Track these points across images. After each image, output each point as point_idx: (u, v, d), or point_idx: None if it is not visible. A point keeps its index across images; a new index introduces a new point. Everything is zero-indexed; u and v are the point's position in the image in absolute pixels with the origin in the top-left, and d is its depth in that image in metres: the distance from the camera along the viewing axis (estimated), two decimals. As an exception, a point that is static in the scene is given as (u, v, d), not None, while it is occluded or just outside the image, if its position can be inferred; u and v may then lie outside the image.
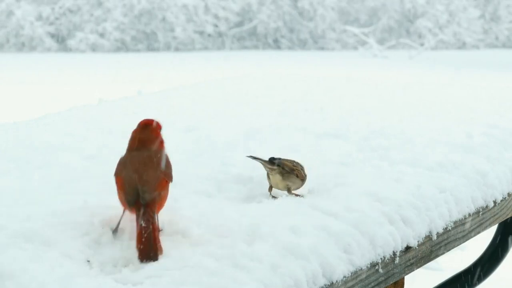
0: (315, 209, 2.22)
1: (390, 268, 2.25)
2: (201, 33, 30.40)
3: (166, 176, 2.04)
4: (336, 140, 3.03)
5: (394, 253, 2.25)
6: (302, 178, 2.36)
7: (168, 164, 2.10)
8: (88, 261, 1.86)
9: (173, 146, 2.88)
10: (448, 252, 2.59)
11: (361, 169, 2.63)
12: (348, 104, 3.88)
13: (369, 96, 4.21)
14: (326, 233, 2.09)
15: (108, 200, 2.21)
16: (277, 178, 2.34)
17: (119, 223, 2.02)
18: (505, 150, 3.08)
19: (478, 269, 3.52)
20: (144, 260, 1.84)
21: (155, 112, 3.64)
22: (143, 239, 1.86)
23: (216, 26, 30.58)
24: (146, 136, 2.13)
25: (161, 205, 2.00)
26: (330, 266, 2.00)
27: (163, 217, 2.10)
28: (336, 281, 2.01)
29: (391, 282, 2.28)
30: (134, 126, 3.21)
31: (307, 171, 2.41)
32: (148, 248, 1.86)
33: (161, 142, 2.14)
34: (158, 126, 2.16)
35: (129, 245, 1.93)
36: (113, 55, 28.02)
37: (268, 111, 3.66)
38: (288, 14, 31.52)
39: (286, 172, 2.34)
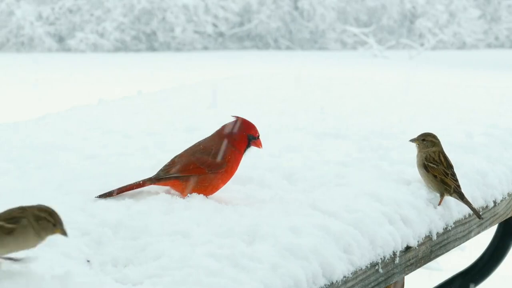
0: (315, 209, 2.22)
1: (390, 268, 2.25)
2: (201, 33, 30.39)
3: (199, 161, 2.23)
4: (336, 140, 3.03)
5: (394, 253, 2.25)
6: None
7: (213, 153, 2.26)
8: (88, 261, 1.86)
9: (173, 146, 2.88)
10: (448, 252, 2.59)
11: (361, 169, 2.63)
12: (348, 104, 3.88)
13: (369, 96, 4.21)
14: (326, 233, 2.09)
15: (108, 200, 2.21)
16: None
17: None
18: (505, 150, 3.08)
19: (478, 269, 3.52)
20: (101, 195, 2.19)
21: (155, 112, 3.64)
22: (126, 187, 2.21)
23: (216, 26, 30.57)
24: (223, 130, 2.33)
25: (193, 188, 2.23)
26: (330, 266, 2.00)
27: (162, 218, 2.10)
28: (336, 281, 2.01)
29: (391, 282, 2.28)
30: (134, 126, 3.22)
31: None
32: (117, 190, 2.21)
33: (236, 140, 2.31)
34: (246, 128, 2.32)
35: (129, 245, 1.93)
36: (113, 55, 28.01)
37: (268, 111, 3.66)
38: (288, 14, 31.51)
39: None
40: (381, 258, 2.20)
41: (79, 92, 15.08)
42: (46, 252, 1.85)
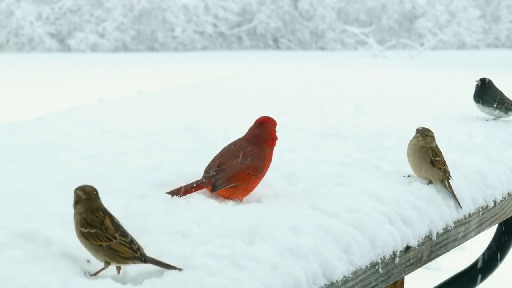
0: (315, 209, 2.22)
1: (390, 268, 2.25)
2: (201, 33, 30.38)
3: (248, 168, 2.27)
4: (336, 140, 3.03)
5: (394, 253, 2.25)
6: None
7: (256, 158, 2.30)
8: (88, 261, 1.86)
9: (173, 146, 2.88)
10: (448, 252, 2.59)
11: (361, 169, 2.63)
12: (348, 104, 3.88)
13: (369, 96, 4.21)
14: (326, 233, 2.09)
15: (108, 200, 2.21)
16: None
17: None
18: (505, 150, 3.08)
19: (478, 269, 3.52)
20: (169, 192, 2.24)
21: (155, 112, 3.64)
22: (187, 187, 2.26)
23: (216, 26, 30.57)
24: (258, 132, 2.36)
25: (236, 194, 2.28)
26: (330, 266, 2.00)
27: (162, 218, 2.10)
28: (336, 281, 2.01)
29: (391, 282, 2.28)
30: (134, 126, 3.22)
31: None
32: (178, 190, 2.25)
33: (271, 139, 2.36)
34: (273, 124, 2.38)
35: (129, 245, 1.93)
36: (113, 55, 28.01)
37: (268, 111, 3.65)
38: (288, 14, 31.51)
39: None
40: (381, 258, 2.20)
41: (79, 92, 15.08)
42: (46, 252, 1.84)
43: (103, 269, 1.81)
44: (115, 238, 1.80)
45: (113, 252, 1.79)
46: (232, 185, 2.27)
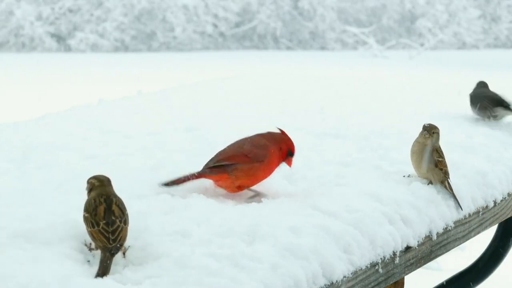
0: (315, 209, 2.22)
1: (390, 268, 2.25)
2: (201, 33, 30.37)
3: (248, 152, 2.29)
4: (336, 140, 3.03)
5: (394, 253, 2.25)
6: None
7: (261, 146, 2.32)
8: (88, 261, 1.86)
9: (173, 146, 2.88)
10: (448, 252, 2.59)
11: (361, 169, 2.63)
12: (348, 104, 3.87)
13: (369, 96, 4.21)
14: (326, 233, 2.09)
15: (108, 200, 2.21)
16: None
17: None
18: (505, 150, 3.08)
19: (478, 269, 3.52)
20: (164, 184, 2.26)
21: (155, 112, 3.64)
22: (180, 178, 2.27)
23: (216, 26, 30.56)
24: (279, 137, 2.37)
25: (238, 179, 2.28)
26: (330, 266, 2.00)
27: (162, 218, 2.10)
28: (336, 281, 2.01)
29: (391, 282, 2.28)
30: (134, 126, 3.22)
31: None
32: (175, 181, 2.26)
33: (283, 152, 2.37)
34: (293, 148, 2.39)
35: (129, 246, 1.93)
36: (113, 55, 27.99)
37: (268, 111, 3.66)
38: (288, 14, 31.50)
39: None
40: (381, 258, 2.20)
41: (79, 92, 15.07)
42: (46, 252, 1.85)
43: (102, 260, 1.82)
44: (99, 225, 1.82)
45: (92, 238, 1.83)
46: (225, 163, 2.27)
